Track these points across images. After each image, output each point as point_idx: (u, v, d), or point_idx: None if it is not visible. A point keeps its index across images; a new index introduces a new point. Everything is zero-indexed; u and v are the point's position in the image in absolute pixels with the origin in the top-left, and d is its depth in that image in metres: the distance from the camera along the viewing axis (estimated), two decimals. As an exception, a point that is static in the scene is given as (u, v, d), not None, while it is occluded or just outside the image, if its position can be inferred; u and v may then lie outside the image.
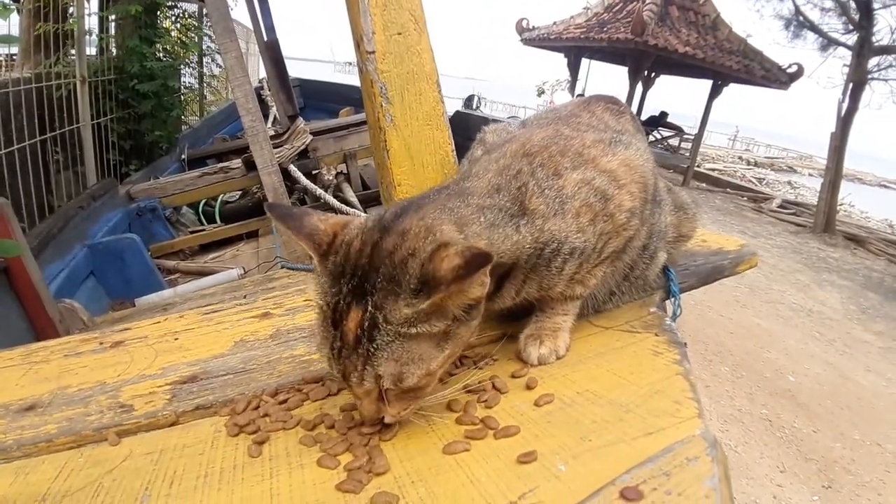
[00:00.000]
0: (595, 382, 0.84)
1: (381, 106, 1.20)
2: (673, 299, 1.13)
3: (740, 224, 10.88)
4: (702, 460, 0.62)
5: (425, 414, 0.80)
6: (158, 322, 1.24)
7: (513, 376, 0.90)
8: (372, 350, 0.73)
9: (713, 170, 17.77)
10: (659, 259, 1.13)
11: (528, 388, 0.86)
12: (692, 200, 1.26)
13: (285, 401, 0.85)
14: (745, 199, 13.79)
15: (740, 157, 23.94)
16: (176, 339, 1.13)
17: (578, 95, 16.04)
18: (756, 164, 22.81)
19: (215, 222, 5.04)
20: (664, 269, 1.18)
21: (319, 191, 4.74)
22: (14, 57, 4.65)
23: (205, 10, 5.85)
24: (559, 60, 16.26)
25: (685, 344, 0.95)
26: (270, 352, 1.04)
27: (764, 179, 18.89)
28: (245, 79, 2.65)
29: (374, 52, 1.19)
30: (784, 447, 4.07)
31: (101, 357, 1.12)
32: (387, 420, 0.77)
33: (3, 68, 4.32)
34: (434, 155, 1.26)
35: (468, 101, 12.66)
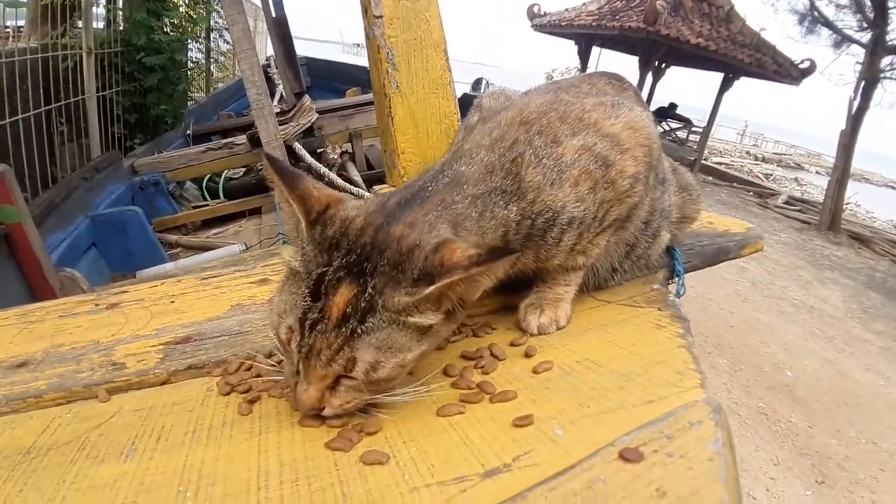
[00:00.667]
0: (595, 352, 0.83)
1: (387, 72, 1.17)
2: (677, 279, 1.12)
3: (745, 219, 10.56)
4: (705, 424, 0.60)
5: (421, 380, 0.78)
6: (155, 286, 1.23)
7: (511, 344, 0.89)
8: (358, 332, 0.70)
9: (720, 163, 17.67)
10: (662, 238, 1.11)
11: (527, 355, 0.84)
12: (697, 182, 1.24)
13: (279, 362, 0.84)
14: (751, 193, 13.73)
15: (748, 152, 23.80)
16: (172, 301, 1.12)
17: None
18: (764, 160, 22.69)
19: (219, 198, 5.03)
20: (669, 249, 1.16)
21: (324, 169, 4.71)
22: (21, 28, 4.63)
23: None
24: (570, 48, 16.13)
25: (688, 321, 0.94)
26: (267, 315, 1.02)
27: (771, 175, 18.80)
28: (252, 52, 2.62)
29: (381, 17, 1.16)
30: (779, 441, 4.07)
31: (96, 318, 1.11)
32: (326, 412, 0.72)
33: (11, 38, 4.29)
34: (439, 124, 1.23)
35: (476, 83, 12.56)
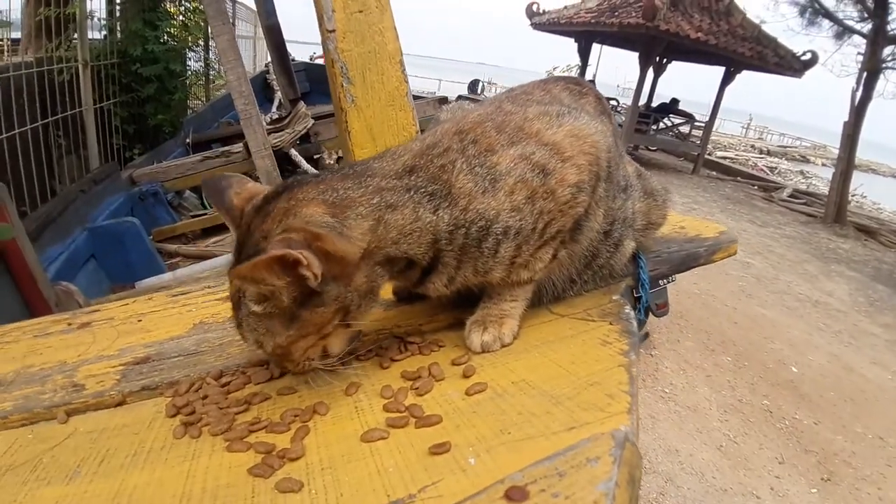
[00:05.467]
0: (533, 372, 0.82)
1: (342, 86, 1.16)
2: (641, 286, 1.10)
3: (749, 213, 10.75)
4: (602, 461, 0.58)
5: (356, 399, 0.79)
6: (127, 304, 1.24)
7: (453, 363, 0.88)
8: (240, 318, 0.81)
9: (725, 158, 17.56)
10: (625, 247, 1.09)
11: (465, 376, 0.83)
12: (663, 187, 1.21)
13: (228, 383, 0.85)
14: (756, 187, 13.63)
15: (753, 146, 23.65)
16: (140, 320, 1.13)
17: (589, 81, 15.85)
18: (769, 153, 22.53)
19: (218, 206, 5.05)
20: (635, 256, 1.14)
21: (320, 176, 4.73)
22: (17, 42, 4.68)
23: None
24: (571, 45, 16.08)
25: (647, 334, 0.92)
26: (224, 334, 1.03)
27: (776, 168, 18.67)
28: (238, 62, 2.63)
29: (334, 31, 1.14)
30: (784, 438, 4.03)
31: (67, 337, 1.13)
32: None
33: (6, 53, 4.33)
34: (397, 136, 1.21)
35: (472, 85, 12.61)
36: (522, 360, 0.87)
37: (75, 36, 4.50)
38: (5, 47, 4.39)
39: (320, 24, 1.17)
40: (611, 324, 0.94)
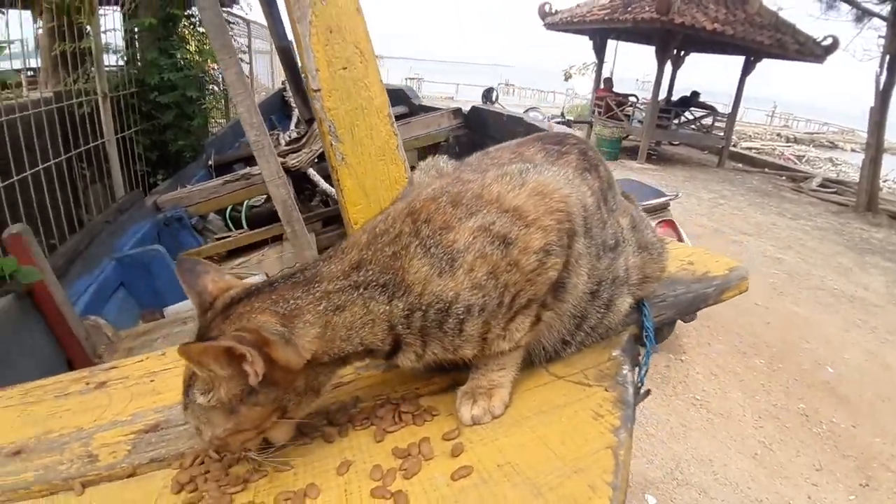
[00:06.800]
0: (521, 452, 0.80)
1: (331, 144, 1.16)
2: (646, 334, 1.07)
3: (778, 206, 10.53)
4: None
5: (347, 481, 0.79)
6: (141, 360, 1.26)
7: (444, 438, 0.87)
8: (187, 402, 0.82)
9: (750, 149, 17.24)
10: (619, 306, 1.05)
11: (453, 455, 0.82)
12: (659, 239, 1.17)
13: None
14: (784, 178, 13.35)
15: (779, 134, 23.18)
16: (152, 380, 1.15)
17: (606, 79, 15.72)
18: (795, 141, 22.07)
19: (242, 227, 5.13)
20: (638, 303, 1.11)
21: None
22: (33, 70, 4.81)
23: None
24: (588, 42, 15.95)
25: (648, 391, 0.90)
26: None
27: (804, 157, 18.27)
28: (246, 94, 2.65)
29: (319, 90, 1.14)
30: (821, 444, 3.93)
31: (85, 399, 1.15)
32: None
33: (25, 88, 4.44)
34: (390, 190, 1.20)
35: (486, 94, 12.45)
36: (512, 437, 0.85)
37: (93, 68, 4.60)
38: (24, 81, 4.49)
39: (306, 84, 1.17)
40: (606, 390, 0.91)
